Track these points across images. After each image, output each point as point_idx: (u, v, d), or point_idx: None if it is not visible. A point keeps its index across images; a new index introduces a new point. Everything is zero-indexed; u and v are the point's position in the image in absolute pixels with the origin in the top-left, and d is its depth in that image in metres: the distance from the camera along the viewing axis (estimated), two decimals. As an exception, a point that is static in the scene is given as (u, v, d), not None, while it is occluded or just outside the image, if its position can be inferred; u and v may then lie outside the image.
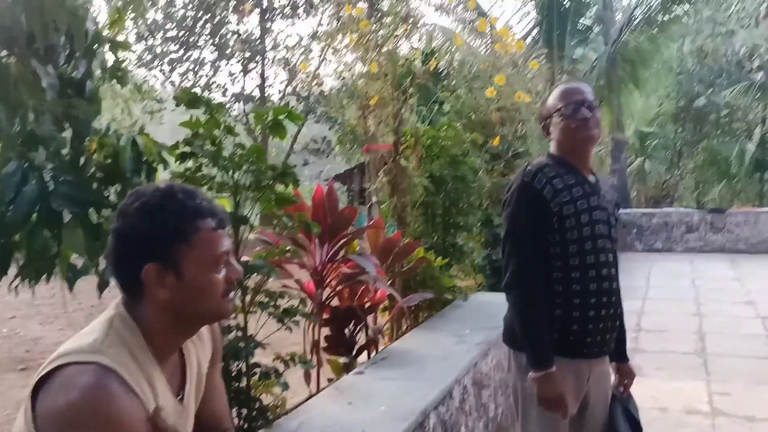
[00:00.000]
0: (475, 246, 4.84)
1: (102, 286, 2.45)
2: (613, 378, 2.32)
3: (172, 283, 1.20)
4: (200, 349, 1.40)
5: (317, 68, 10.04)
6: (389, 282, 3.56)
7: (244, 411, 2.24)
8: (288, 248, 2.76)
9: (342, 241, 2.96)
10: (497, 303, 2.61)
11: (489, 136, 5.52)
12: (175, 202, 1.21)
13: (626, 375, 2.31)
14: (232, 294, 1.30)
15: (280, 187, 2.46)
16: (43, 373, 1.14)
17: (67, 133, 2.38)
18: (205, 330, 1.41)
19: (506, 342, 2.28)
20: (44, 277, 2.48)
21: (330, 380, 2.99)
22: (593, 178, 2.20)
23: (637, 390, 2.36)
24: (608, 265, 2.14)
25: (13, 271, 2.32)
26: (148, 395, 1.19)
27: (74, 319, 7.01)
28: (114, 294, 1.35)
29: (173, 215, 1.20)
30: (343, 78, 4.37)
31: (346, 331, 3.24)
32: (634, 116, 16.93)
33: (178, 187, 1.26)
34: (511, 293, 2.14)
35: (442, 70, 6.90)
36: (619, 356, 2.31)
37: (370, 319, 3.43)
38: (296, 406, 2.43)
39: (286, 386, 2.28)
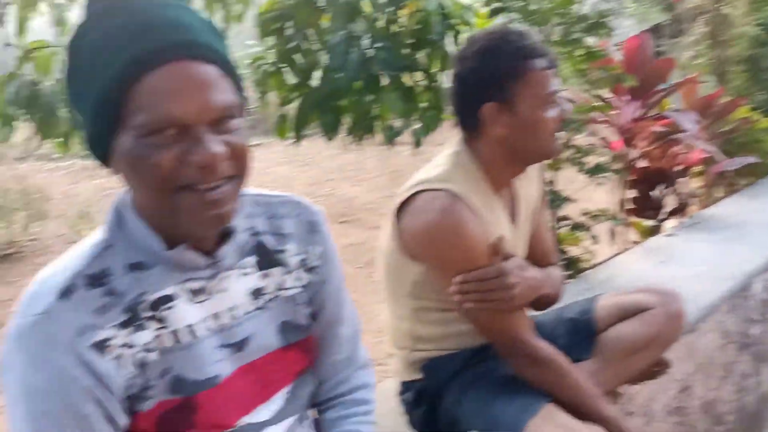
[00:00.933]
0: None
1: (416, 145, 2.65)
2: None
3: (507, 120, 1.29)
4: (529, 186, 1.51)
5: None
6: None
7: (553, 261, 2.31)
8: (594, 105, 2.64)
9: (654, 98, 2.74)
10: None
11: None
12: (509, 44, 1.28)
13: None
14: (559, 134, 1.36)
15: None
16: (404, 198, 1.33)
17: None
18: (533, 170, 1.49)
19: None
20: (368, 135, 2.76)
21: (635, 242, 2.91)
22: None
23: None
24: None
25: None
26: (489, 219, 1.33)
27: (378, 182, 7.79)
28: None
29: (508, 56, 1.27)
30: None
31: (654, 193, 3.06)
32: None
33: (511, 29, 1.30)
34: None
35: None
36: None
37: (680, 182, 3.18)
38: (603, 261, 2.43)
39: (595, 239, 2.28)
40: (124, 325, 0.79)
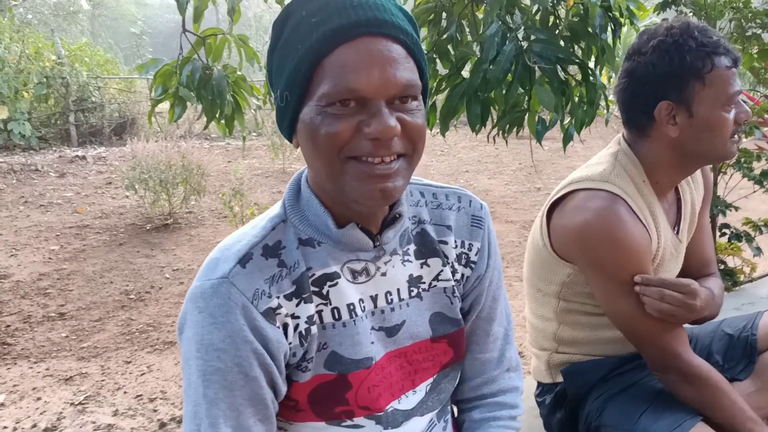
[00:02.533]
0: None
1: (565, 140, 2.57)
2: None
3: (682, 120, 1.22)
4: (694, 189, 1.42)
5: None
6: None
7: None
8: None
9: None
10: None
11: None
12: (692, 39, 1.19)
13: None
14: (737, 136, 1.26)
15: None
16: (557, 196, 1.29)
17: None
18: (699, 172, 1.41)
19: None
20: (515, 129, 2.73)
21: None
22: None
23: None
24: None
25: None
26: (650, 224, 1.27)
27: (515, 176, 7.67)
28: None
29: (690, 52, 1.19)
30: None
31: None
32: None
33: (693, 24, 1.22)
34: None
35: None
36: None
37: None
38: (766, 275, 2.24)
39: (758, 251, 2.11)
40: (291, 296, 0.84)
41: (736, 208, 2.13)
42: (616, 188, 1.23)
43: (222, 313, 0.80)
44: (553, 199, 1.31)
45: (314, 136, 0.77)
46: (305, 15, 0.77)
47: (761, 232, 2.24)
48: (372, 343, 0.90)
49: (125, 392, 2.97)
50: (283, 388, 0.86)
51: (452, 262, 0.98)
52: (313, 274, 0.87)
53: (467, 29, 2.91)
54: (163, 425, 2.65)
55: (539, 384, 1.49)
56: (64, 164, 8.42)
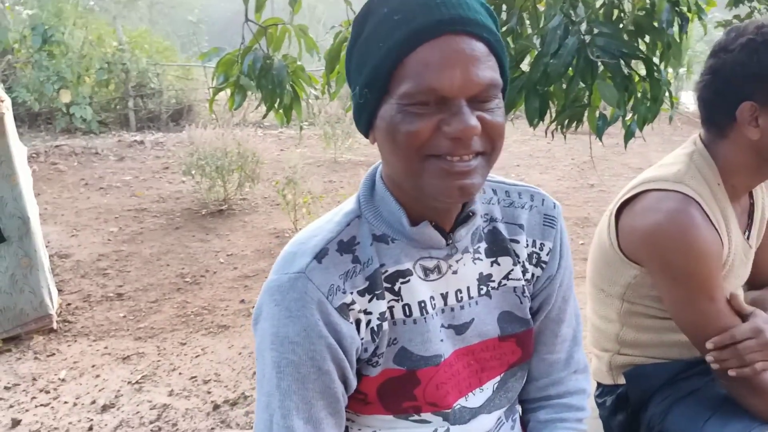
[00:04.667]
0: None
1: (627, 137, 2.52)
2: None
3: (765, 123, 1.18)
4: (766, 195, 1.39)
5: None
6: None
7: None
8: None
9: None
10: None
11: None
12: None
13: None
14: None
15: None
16: (628, 195, 1.27)
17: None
18: None
19: None
20: (574, 124, 2.68)
21: None
22: None
23: None
24: None
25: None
26: (722, 228, 1.24)
27: (568, 172, 7.54)
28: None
29: None
30: None
31: None
32: None
33: None
34: None
35: None
36: None
37: None
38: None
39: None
40: (364, 292, 0.85)
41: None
42: (690, 190, 1.20)
43: (298, 307, 0.81)
44: (623, 199, 1.28)
45: (393, 134, 0.77)
46: (387, 12, 0.77)
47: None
48: (441, 340, 0.91)
49: (180, 373, 3.06)
50: (354, 383, 0.88)
51: (523, 262, 0.97)
52: (386, 271, 0.87)
53: (527, 22, 2.87)
54: (216, 407, 2.72)
55: (599, 385, 1.47)
56: (123, 148, 8.68)
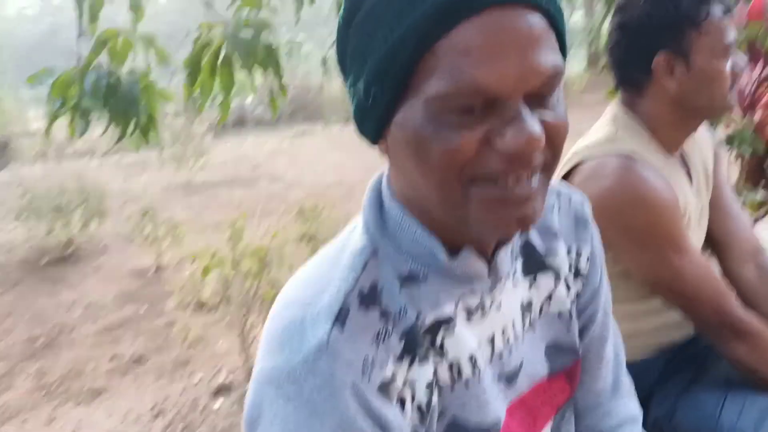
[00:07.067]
0: None
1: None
2: None
3: (681, 73, 1.15)
4: (701, 150, 1.34)
5: None
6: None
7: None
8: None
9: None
10: None
11: None
12: None
13: None
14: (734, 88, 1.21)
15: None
16: (561, 174, 1.20)
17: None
18: (701, 131, 1.34)
19: None
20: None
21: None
22: None
23: None
24: None
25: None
26: (671, 179, 1.18)
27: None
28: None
29: (685, 0, 1.12)
30: None
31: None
32: None
33: None
34: None
35: None
36: None
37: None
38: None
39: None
40: (402, 356, 0.61)
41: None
42: (626, 147, 1.14)
43: (324, 398, 0.56)
44: (557, 178, 1.19)
45: (422, 150, 0.55)
46: None
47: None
48: (496, 398, 0.69)
49: (55, 458, 2.56)
50: None
51: (565, 278, 0.77)
52: (424, 321, 0.63)
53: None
54: (109, 493, 2.29)
55: None
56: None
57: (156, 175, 8.08)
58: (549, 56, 0.54)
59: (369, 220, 0.66)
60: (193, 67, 2.32)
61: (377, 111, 0.58)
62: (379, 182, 0.68)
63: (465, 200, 0.56)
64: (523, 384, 0.73)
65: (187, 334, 3.48)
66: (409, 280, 0.63)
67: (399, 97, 0.56)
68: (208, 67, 2.29)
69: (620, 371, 0.89)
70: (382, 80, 0.55)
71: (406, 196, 0.63)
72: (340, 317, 0.58)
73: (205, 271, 3.07)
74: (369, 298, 0.61)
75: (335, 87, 10.37)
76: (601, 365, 0.85)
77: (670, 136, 1.22)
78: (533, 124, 0.53)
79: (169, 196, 6.81)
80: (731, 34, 1.16)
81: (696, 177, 1.30)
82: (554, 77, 0.54)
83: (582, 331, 0.82)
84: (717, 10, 1.14)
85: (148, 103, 2.49)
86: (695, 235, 1.27)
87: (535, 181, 0.57)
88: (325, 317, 0.58)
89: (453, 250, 0.64)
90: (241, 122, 10.77)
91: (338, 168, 7.40)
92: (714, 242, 1.36)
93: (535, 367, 0.74)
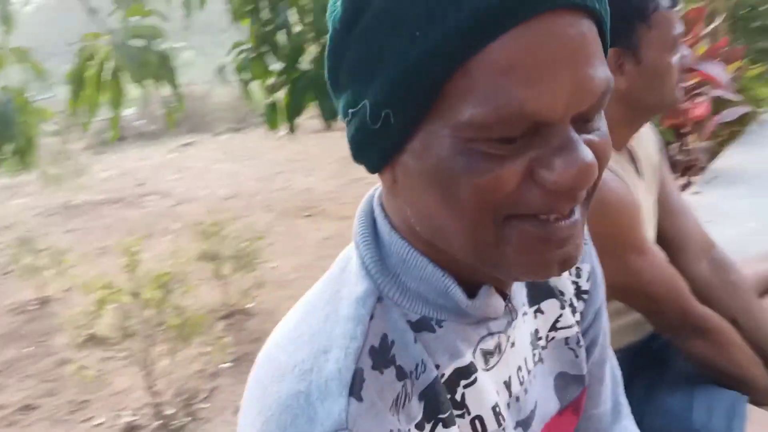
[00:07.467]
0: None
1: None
2: None
3: (631, 69, 1.11)
4: (647, 146, 1.32)
5: None
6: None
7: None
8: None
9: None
10: None
11: None
12: None
13: None
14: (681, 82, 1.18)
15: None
16: None
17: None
18: (645, 126, 1.31)
19: None
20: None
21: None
22: None
23: None
24: None
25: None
26: (620, 176, 1.14)
27: (332, 170, 7.45)
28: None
29: None
30: None
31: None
32: None
33: None
34: None
35: None
36: None
37: (690, 138, 3.11)
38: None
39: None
40: (424, 422, 0.51)
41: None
42: None
43: None
44: None
45: (450, 185, 0.45)
46: None
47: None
48: None
49: None
50: None
51: (570, 299, 0.70)
52: (443, 375, 0.54)
53: (299, 16, 2.63)
54: None
55: None
56: None
57: (30, 199, 7.44)
58: (601, 70, 0.46)
59: (367, 258, 0.55)
60: (77, 82, 2.10)
61: (388, 138, 0.48)
62: (370, 212, 0.58)
63: (499, 241, 0.47)
64: (536, 427, 0.66)
65: (83, 373, 3.18)
66: (421, 327, 0.54)
67: (417, 123, 0.46)
68: (94, 81, 2.08)
69: (619, 392, 0.83)
70: (397, 102, 0.45)
71: (413, 230, 0.54)
72: (355, 386, 0.48)
73: (101, 302, 2.81)
74: (382, 355, 0.51)
75: (222, 94, 10.03)
76: (602, 389, 0.79)
77: (620, 134, 1.17)
78: (584, 150, 0.44)
79: (47, 221, 6.28)
80: (678, 27, 1.14)
81: (644, 172, 1.28)
82: (606, 94, 0.46)
83: (586, 356, 0.75)
84: (664, 1, 1.12)
85: (25, 124, 2.24)
86: (649, 232, 1.24)
87: (577, 213, 0.49)
88: (337, 389, 0.47)
89: (467, 288, 0.55)
90: (120, 136, 10.18)
91: (232, 180, 7.12)
92: (666, 242, 1.34)
93: (548, 404, 0.67)
